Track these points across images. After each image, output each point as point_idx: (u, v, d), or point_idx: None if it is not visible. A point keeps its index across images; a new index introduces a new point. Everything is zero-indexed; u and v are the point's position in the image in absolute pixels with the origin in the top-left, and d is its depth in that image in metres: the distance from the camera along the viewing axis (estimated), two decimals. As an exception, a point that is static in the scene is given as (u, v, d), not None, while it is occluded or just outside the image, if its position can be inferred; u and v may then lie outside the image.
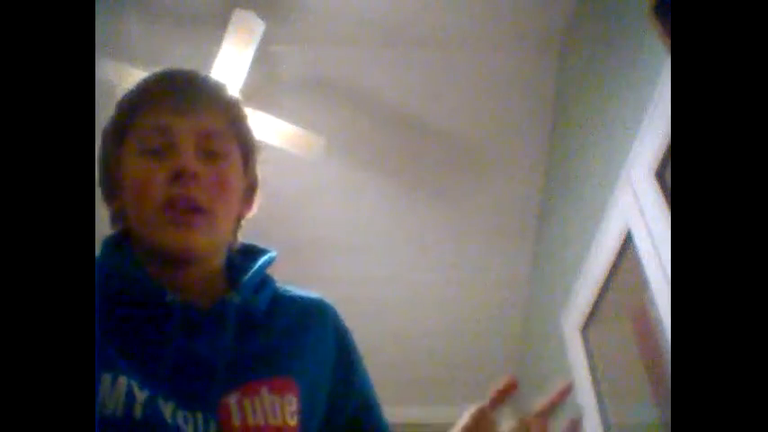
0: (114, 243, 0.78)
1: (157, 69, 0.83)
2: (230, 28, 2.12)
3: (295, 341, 0.77)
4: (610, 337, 2.31)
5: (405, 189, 2.96)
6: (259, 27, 2.15)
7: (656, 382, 1.92)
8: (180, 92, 0.77)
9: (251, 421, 0.67)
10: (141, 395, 0.63)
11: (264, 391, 0.69)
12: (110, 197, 0.79)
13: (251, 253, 0.82)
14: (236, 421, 0.66)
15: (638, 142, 1.86)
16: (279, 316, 0.78)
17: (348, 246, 3.06)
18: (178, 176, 0.71)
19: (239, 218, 0.82)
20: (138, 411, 0.62)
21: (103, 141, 0.80)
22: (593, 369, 2.36)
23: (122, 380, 0.64)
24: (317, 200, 2.92)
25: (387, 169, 2.90)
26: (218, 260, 0.78)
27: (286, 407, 0.69)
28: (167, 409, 0.64)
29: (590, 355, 2.39)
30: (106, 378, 0.63)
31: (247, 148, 0.82)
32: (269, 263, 0.81)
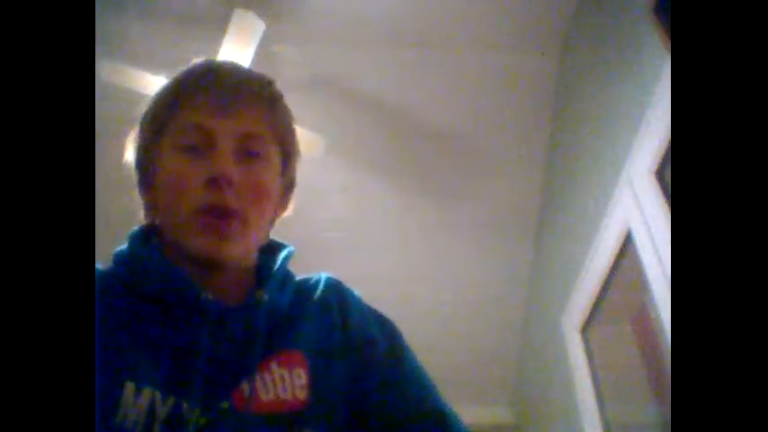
0: (143, 237, 0.76)
1: (201, 60, 0.81)
2: (230, 28, 2.12)
3: (297, 316, 0.76)
4: (610, 337, 2.31)
5: (405, 189, 2.96)
6: (259, 27, 2.15)
7: (656, 382, 1.92)
8: (223, 89, 0.74)
9: (263, 397, 0.67)
10: (163, 410, 0.63)
11: (274, 365, 0.69)
12: (144, 187, 0.78)
13: (269, 248, 0.81)
14: (248, 395, 0.66)
15: (638, 142, 1.87)
16: (303, 305, 0.78)
17: (347, 245, 3.07)
18: (214, 181, 0.70)
19: (273, 219, 0.81)
20: (156, 428, 0.62)
21: (141, 129, 0.78)
22: (593, 369, 2.36)
23: (147, 391, 0.63)
24: (316, 200, 2.92)
25: (387, 169, 2.90)
26: (250, 261, 0.77)
27: (296, 380, 0.69)
28: (191, 417, 0.63)
29: (590, 356, 2.39)
30: (130, 386, 0.63)
31: (288, 150, 0.80)
32: (289, 258, 0.80)
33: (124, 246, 0.76)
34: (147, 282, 0.71)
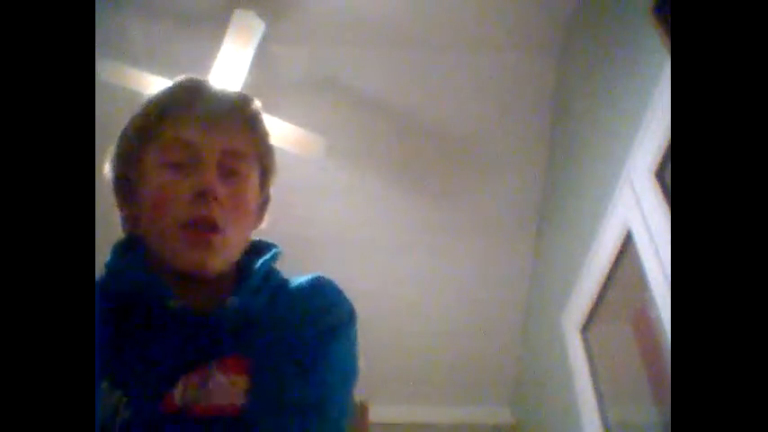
0: (126, 247, 0.78)
1: (180, 75, 0.83)
2: (230, 28, 2.12)
3: (264, 320, 0.75)
4: (610, 337, 2.31)
5: (405, 189, 2.96)
6: (259, 27, 2.15)
7: (656, 382, 1.92)
8: (208, 106, 0.77)
9: (193, 401, 0.66)
10: (125, 411, 0.63)
11: (216, 371, 0.68)
12: (124, 202, 0.80)
13: (256, 250, 0.82)
14: (178, 401, 0.65)
15: (638, 142, 1.86)
16: (277, 308, 0.78)
17: (347, 245, 3.07)
18: (201, 195, 0.72)
19: (250, 232, 0.82)
20: (115, 427, 0.63)
21: (123, 144, 0.80)
22: (593, 369, 2.36)
23: (117, 392, 0.64)
24: (316, 199, 2.92)
25: (387, 169, 2.90)
26: (229, 268, 0.79)
27: (234, 387, 0.68)
28: (131, 418, 0.64)
29: (590, 355, 2.39)
30: (104, 386, 0.64)
31: (266, 167, 0.83)
32: (271, 261, 0.82)
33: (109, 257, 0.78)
34: (124, 287, 0.73)
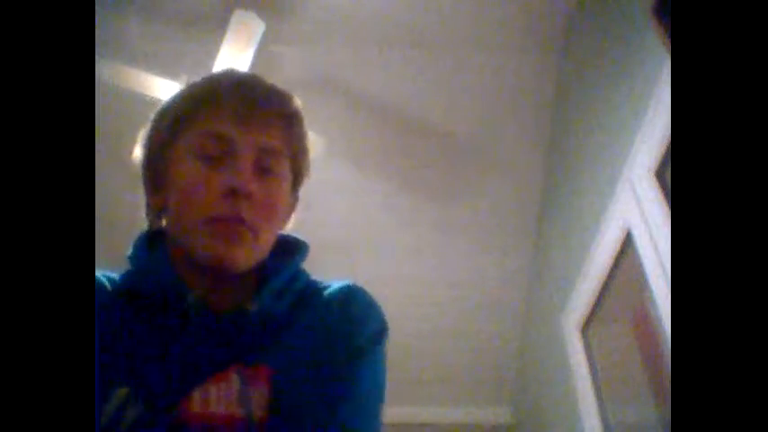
0: (149, 241, 0.77)
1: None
2: (230, 28, 2.13)
3: (286, 327, 0.73)
4: (610, 337, 2.31)
5: (404, 189, 2.96)
6: (259, 27, 2.15)
7: (656, 382, 1.92)
8: (247, 101, 0.74)
9: (213, 408, 0.64)
10: (132, 410, 0.62)
11: (235, 377, 0.66)
12: (152, 190, 0.77)
13: (284, 248, 0.79)
14: (196, 408, 0.63)
15: (638, 142, 1.87)
16: (304, 317, 0.75)
17: (347, 245, 3.07)
18: (233, 192, 0.70)
19: (277, 232, 0.79)
20: (123, 427, 0.62)
21: (157, 128, 0.78)
22: (593, 369, 2.36)
23: (123, 390, 0.63)
24: (316, 199, 2.92)
25: (386, 169, 2.90)
26: (253, 267, 0.75)
27: (256, 397, 0.65)
28: (146, 420, 0.63)
29: (590, 355, 2.39)
30: (124, 391, 0.63)
31: (300, 169, 0.80)
32: (299, 261, 0.79)
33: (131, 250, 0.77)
34: (143, 284, 0.72)
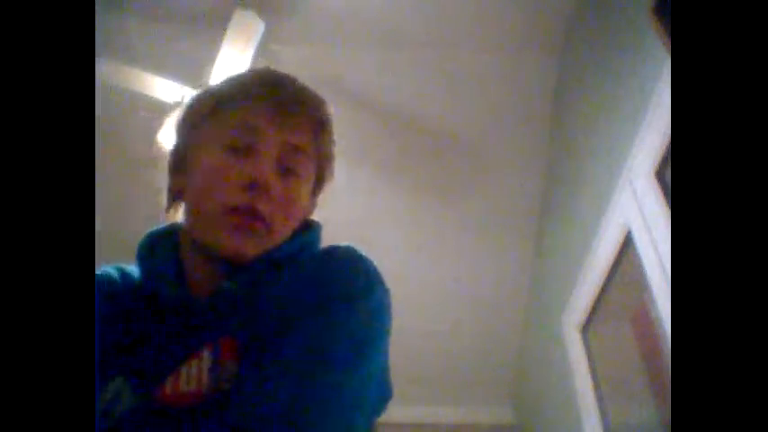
0: (159, 241, 0.77)
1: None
2: (230, 28, 2.13)
3: (251, 302, 0.69)
4: (610, 337, 2.31)
5: (404, 188, 2.96)
6: (259, 27, 2.15)
7: (656, 382, 1.92)
8: (280, 100, 0.76)
9: (183, 388, 0.63)
10: (128, 400, 0.63)
11: (206, 354, 0.65)
12: (175, 170, 0.79)
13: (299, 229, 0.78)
14: (168, 390, 0.63)
15: (638, 142, 1.86)
16: (279, 285, 0.71)
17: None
18: (254, 184, 0.70)
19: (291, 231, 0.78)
20: (116, 415, 0.62)
21: (188, 116, 0.79)
22: (593, 369, 2.36)
23: (119, 378, 0.64)
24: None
25: (387, 169, 2.90)
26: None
27: (224, 371, 0.63)
28: (131, 404, 0.63)
29: (590, 355, 2.39)
30: (120, 380, 0.65)
31: (323, 173, 0.81)
32: (306, 241, 0.78)
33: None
34: (154, 285, 0.73)
